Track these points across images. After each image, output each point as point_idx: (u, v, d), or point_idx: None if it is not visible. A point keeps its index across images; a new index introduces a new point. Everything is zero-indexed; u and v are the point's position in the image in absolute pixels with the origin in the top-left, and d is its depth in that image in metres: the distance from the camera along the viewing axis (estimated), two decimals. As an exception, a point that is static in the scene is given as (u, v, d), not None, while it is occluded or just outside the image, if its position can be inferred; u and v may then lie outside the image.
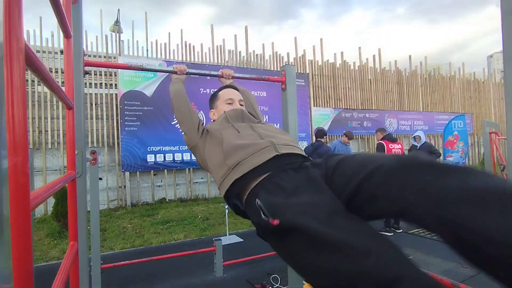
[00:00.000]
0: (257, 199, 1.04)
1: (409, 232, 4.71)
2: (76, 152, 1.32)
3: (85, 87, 6.85)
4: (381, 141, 5.03)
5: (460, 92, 14.63)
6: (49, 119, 6.77)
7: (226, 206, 4.71)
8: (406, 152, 6.83)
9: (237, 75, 2.00)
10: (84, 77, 1.41)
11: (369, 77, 11.47)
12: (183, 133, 1.53)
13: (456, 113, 14.17)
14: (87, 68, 1.45)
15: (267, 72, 9.12)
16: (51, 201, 5.37)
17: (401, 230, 4.79)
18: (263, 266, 3.46)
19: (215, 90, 1.79)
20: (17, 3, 0.44)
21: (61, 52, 6.73)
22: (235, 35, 9.09)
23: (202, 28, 13.72)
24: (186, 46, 8.41)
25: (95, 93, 7.23)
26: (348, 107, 10.86)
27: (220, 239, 3.40)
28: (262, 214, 0.98)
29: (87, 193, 1.61)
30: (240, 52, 9.26)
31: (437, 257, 3.64)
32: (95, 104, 7.23)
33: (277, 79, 1.95)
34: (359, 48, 11.47)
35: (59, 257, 4.11)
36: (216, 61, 8.81)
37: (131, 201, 7.47)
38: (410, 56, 13.37)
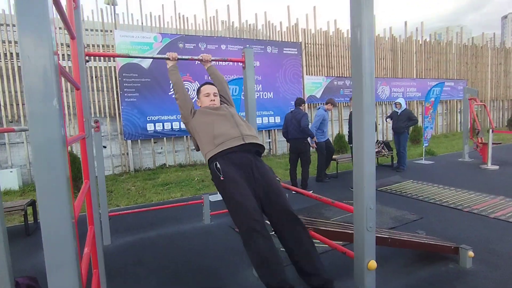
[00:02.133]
0: (217, 163, 1.97)
1: (378, 189, 5.31)
2: (84, 120, 1.86)
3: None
4: None
5: (456, 58, 14.70)
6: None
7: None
8: (386, 119, 7.29)
9: (213, 58, 2.46)
10: (85, 64, 1.91)
11: (363, 45, 11.60)
12: (181, 112, 2.30)
13: (450, 80, 14.39)
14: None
15: (260, 41, 9.36)
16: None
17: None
18: (245, 216, 4.12)
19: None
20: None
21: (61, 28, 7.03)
22: (228, 5, 9.22)
23: (197, -4, 13.62)
24: (179, 18, 8.62)
25: (94, 66, 7.62)
26: (341, 75, 11.14)
27: (207, 194, 4.04)
28: (217, 172, 1.95)
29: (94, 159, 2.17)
30: (233, 22, 9.44)
31: (393, 208, 4.27)
32: (96, 77, 7.66)
33: (237, 59, 2.42)
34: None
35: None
36: (209, 32, 9.04)
37: (134, 167, 8.14)
38: (406, 22, 13.33)
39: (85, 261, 1.35)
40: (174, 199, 5.48)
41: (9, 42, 6.89)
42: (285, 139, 5.75)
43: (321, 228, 1.87)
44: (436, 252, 2.71)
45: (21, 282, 2.05)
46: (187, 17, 8.77)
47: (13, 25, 6.89)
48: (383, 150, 7.09)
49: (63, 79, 1.68)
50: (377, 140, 7.50)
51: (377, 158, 7.49)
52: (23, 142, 7.13)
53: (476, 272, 2.52)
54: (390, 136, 12.20)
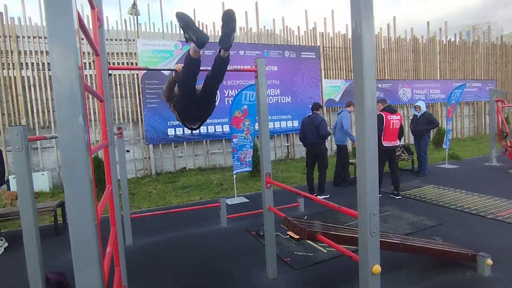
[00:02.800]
0: None
1: (396, 195, 5.21)
2: (107, 129, 2.02)
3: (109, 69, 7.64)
4: (380, 112, 5.16)
5: (484, 57, 14.13)
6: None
7: (234, 172, 5.45)
8: (406, 122, 7.13)
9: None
10: (108, 78, 2.07)
11: (382, 47, 11.43)
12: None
13: (477, 80, 13.83)
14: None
15: (278, 46, 9.45)
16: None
17: (400, 197, 5.09)
18: (260, 219, 4.18)
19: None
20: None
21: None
22: (246, 12, 9.40)
23: (214, 5, 13.91)
24: (199, 25, 8.87)
25: (118, 74, 7.99)
26: (360, 78, 10.99)
27: (224, 197, 4.15)
28: None
29: (117, 164, 2.33)
30: (251, 28, 9.59)
31: (410, 213, 4.20)
32: (119, 84, 8.02)
33: (250, 69, 2.52)
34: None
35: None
36: (228, 38, 9.21)
37: (156, 170, 8.43)
38: (428, 23, 12.98)
39: (108, 259, 1.48)
40: (193, 202, 5.64)
41: (41, 52, 7.37)
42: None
43: (330, 232, 1.92)
44: (453, 259, 2.67)
45: (51, 278, 2.23)
46: (206, 24, 9.01)
47: (45, 37, 7.36)
48: (403, 154, 6.95)
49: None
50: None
51: (397, 162, 7.35)
52: (53, 147, 7.58)
53: (494, 281, 2.47)
54: (412, 140, 11.90)
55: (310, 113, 5.56)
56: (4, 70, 7.07)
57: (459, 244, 2.93)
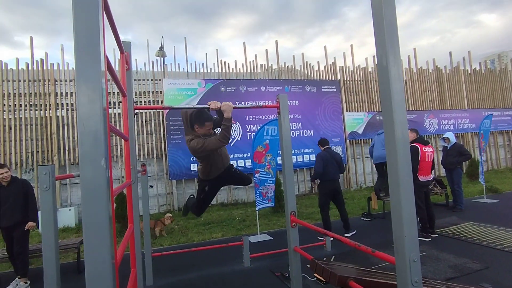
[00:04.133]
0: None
1: (432, 234, 4.82)
2: (131, 167, 2.02)
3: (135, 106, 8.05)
4: (415, 144, 4.87)
5: (514, 85, 13.61)
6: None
7: (257, 208, 5.30)
8: (438, 154, 6.82)
9: (253, 105, 2.58)
10: (134, 117, 2.12)
11: (404, 78, 11.34)
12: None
13: (509, 108, 13.25)
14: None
15: (298, 81, 9.60)
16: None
17: (436, 235, 4.72)
18: (285, 259, 3.96)
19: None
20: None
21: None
22: (266, 50, 9.75)
23: (239, 42, 14.60)
24: (221, 64, 9.26)
25: (145, 112, 8.34)
26: (383, 110, 10.84)
27: (246, 235, 3.99)
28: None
29: (140, 199, 2.32)
30: (271, 65, 9.89)
31: (451, 254, 3.83)
32: (146, 122, 8.34)
33: (272, 106, 2.51)
34: (392, 50, 11.40)
35: (121, 250, 5.02)
36: (249, 75, 9.52)
37: (178, 205, 8.41)
38: (450, 53, 12.88)
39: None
40: (215, 239, 5.49)
41: (71, 94, 7.88)
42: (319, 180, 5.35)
43: (364, 278, 1.74)
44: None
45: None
46: (228, 63, 9.39)
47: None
48: (435, 188, 6.55)
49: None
50: (428, 177, 6.98)
51: (430, 197, 6.93)
52: (81, 183, 7.81)
53: None
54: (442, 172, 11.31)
55: (326, 148, 5.36)
56: (41, 111, 7.58)
57: (512, 292, 2.59)
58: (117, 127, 8.09)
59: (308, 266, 2.30)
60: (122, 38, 1.77)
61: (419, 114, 11.39)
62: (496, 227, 4.86)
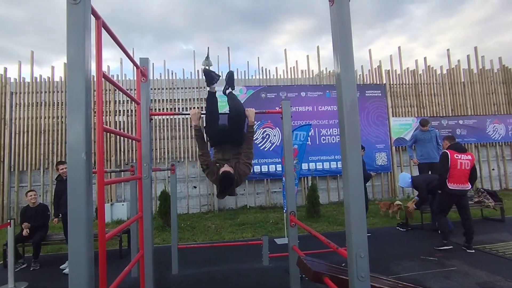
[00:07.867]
0: None
1: (474, 247, 4.43)
2: (144, 164, 2.36)
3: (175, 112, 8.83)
4: (446, 150, 4.64)
5: None
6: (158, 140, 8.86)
7: (284, 211, 5.43)
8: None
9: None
10: (150, 122, 2.47)
11: (462, 80, 10.42)
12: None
13: None
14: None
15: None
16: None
17: (473, 250, 4.35)
18: (304, 261, 4.05)
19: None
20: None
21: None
22: (307, 56, 9.81)
23: (295, 47, 14.83)
24: (262, 70, 9.57)
25: (183, 117, 8.99)
26: (435, 115, 10.10)
27: (266, 236, 4.16)
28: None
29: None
30: (312, 71, 9.91)
31: (484, 271, 3.52)
32: (190, 127, 8.99)
33: (275, 111, 2.67)
34: (448, 50, 10.59)
35: (159, 243, 5.56)
36: (290, 81, 9.66)
37: (219, 206, 8.86)
38: (521, 51, 11.45)
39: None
40: (245, 238, 5.74)
41: (131, 102, 8.86)
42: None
43: (340, 276, 1.79)
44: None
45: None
46: (269, 70, 9.67)
47: (134, 89, 8.90)
48: (486, 201, 5.95)
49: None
50: (478, 188, 6.36)
51: (481, 210, 6.31)
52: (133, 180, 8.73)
53: None
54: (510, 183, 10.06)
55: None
56: (105, 117, 8.69)
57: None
58: (155, 132, 8.85)
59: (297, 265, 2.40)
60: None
61: (480, 119, 10.33)
62: (553, 247, 4.29)
